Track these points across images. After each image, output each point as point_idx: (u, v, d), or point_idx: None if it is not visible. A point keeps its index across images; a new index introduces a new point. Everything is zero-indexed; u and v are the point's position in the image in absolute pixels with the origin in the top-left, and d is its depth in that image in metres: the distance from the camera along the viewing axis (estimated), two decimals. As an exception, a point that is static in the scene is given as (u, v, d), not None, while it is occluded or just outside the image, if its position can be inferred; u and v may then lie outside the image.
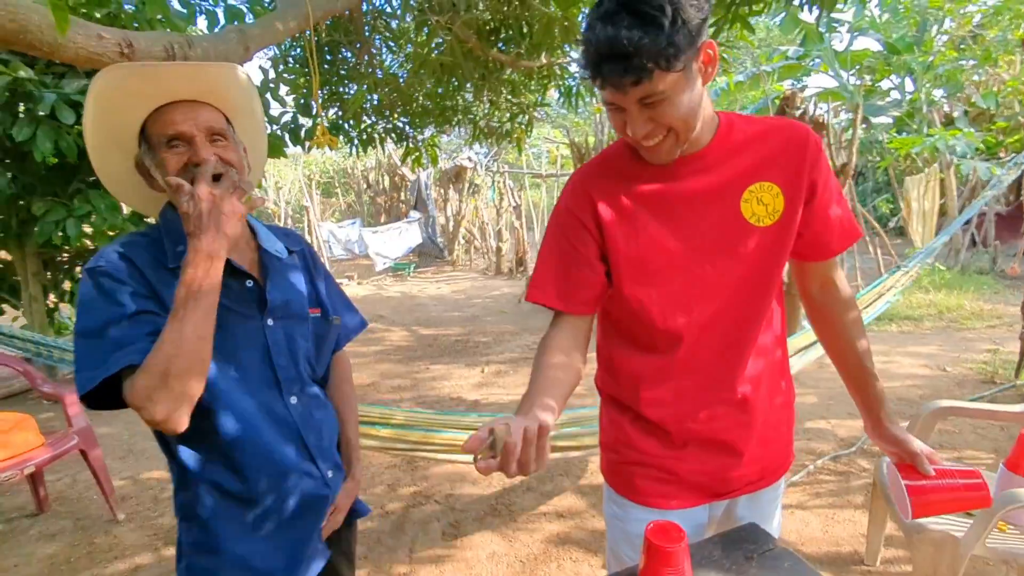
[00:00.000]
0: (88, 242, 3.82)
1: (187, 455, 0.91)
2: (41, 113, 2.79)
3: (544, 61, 3.88)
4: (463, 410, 3.62)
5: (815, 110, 4.53)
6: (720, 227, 0.93)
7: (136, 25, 3.10)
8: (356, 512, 1.14)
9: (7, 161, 3.31)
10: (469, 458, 1.92)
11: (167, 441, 0.92)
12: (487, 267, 10.42)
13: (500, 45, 3.79)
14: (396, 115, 4.32)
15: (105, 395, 0.81)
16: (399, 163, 11.71)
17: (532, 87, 4.48)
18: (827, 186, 0.95)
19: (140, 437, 3.41)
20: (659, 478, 1.02)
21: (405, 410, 1.97)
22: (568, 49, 3.94)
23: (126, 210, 3.78)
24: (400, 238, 10.18)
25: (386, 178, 12.68)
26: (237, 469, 0.92)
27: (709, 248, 0.93)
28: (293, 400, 0.98)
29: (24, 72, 2.76)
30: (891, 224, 9.90)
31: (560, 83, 4.34)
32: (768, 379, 1.02)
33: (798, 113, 4.34)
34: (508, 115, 4.58)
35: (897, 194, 7.92)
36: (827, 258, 1.00)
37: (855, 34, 12.35)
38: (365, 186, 13.46)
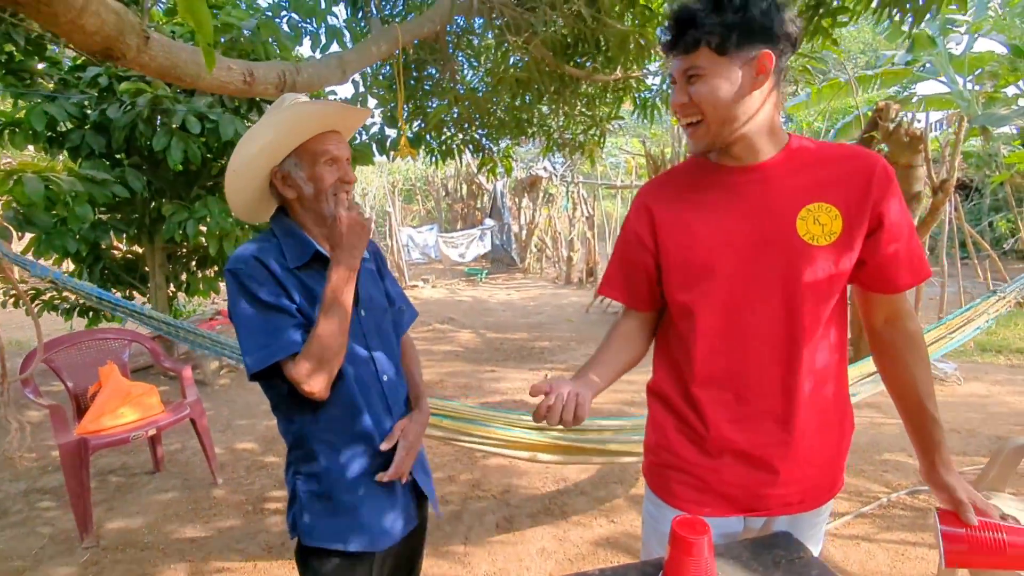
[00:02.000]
0: (202, 240, 4.35)
1: (307, 420, 1.09)
2: (175, 125, 3.24)
3: (619, 75, 3.94)
4: (523, 411, 3.74)
5: (913, 121, 4.25)
6: (774, 241, 0.96)
7: (251, 47, 3.51)
8: (428, 498, 1.25)
9: (144, 167, 3.85)
10: (526, 455, 2.05)
11: (289, 409, 1.10)
12: (557, 276, 10.51)
13: (577, 59, 3.90)
14: (474, 127, 4.55)
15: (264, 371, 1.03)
16: (476, 172, 12.10)
17: (607, 100, 4.55)
18: (897, 219, 0.94)
19: (237, 415, 3.83)
20: (694, 485, 1.06)
21: (468, 405, 2.12)
22: (644, 63, 3.98)
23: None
24: (474, 244, 10.51)
25: (464, 186, 13.13)
26: (346, 431, 1.10)
27: (759, 260, 0.96)
28: (385, 377, 1.17)
29: (163, 90, 3.23)
30: (1008, 246, 8.94)
31: (636, 95, 4.38)
32: (817, 400, 1.01)
33: (892, 125, 4.10)
34: (582, 127, 4.68)
35: (1014, 213, 7.16)
36: (892, 292, 0.99)
37: (975, 36, 11.28)
38: (444, 193, 14.00)
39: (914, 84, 11.59)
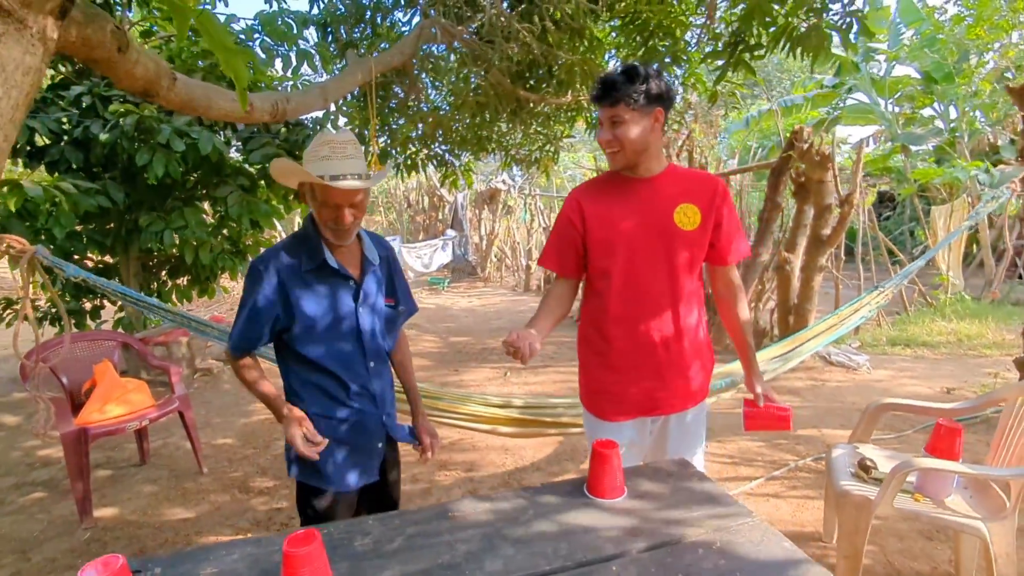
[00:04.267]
0: (175, 250, 4.52)
1: (300, 395, 1.45)
2: (159, 142, 3.46)
3: (570, 97, 4.37)
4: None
5: (822, 143, 4.85)
6: (660, 225, 1.47)
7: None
8: (397, 436, 1.61)
9: (121, 181, 4.02)
10: (487, 428, 2.40)
11: (284, 375, 1.48)
12: (516, 284, 10.91)
13: (532, 82, 4.32)
14: (437, 143, 4.91)
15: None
16: (438, 185, 12.42)
17: (561, 119, 4.99)
18: (729, 219, 1.52)
19: (213, 414, 4.02)
20: (613, 399, 1.56)
21: (435, 385, 2.46)
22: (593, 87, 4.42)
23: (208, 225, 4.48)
24: (436, 254, 10.81)
25: (426, 199, 13.42)
26: (331, 404, 1.45)
27: (651, 238, 1.47)
28: (371, 364, 1.49)
29: (148, 111, 3.45)
30: (916, 251, 9.88)
31: (588, 115, 4.82)
32: (688, 331, 1.53)
33: (805, 146, 4.68)
34: (538, 145, 5.11)
35: (922, 223, 8.03)
36: (725, 265, 1.59)
37: (892, 63, 12.42)
38: (406, 205, 14.24)
39: (843, 103, 12.58)
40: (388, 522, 1.19)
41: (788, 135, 4.91)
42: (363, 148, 1.53)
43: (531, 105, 4.40)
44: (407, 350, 1.73)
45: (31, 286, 2.10)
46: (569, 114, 4.82)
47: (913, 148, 11.29)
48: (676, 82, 4.50)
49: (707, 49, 3.66)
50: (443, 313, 8.49)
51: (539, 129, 4.98)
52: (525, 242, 10.85)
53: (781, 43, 3.28)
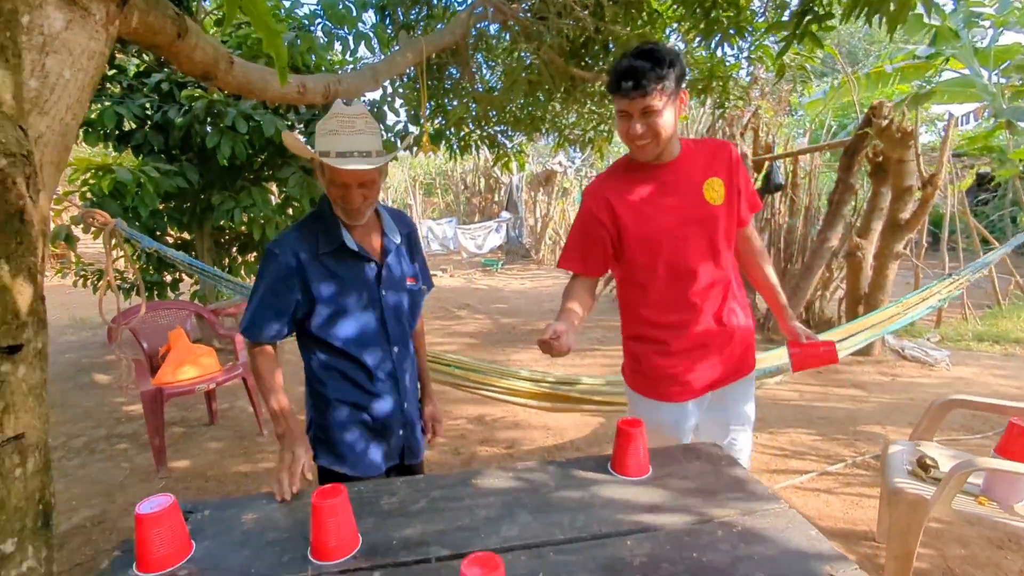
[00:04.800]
0: (243, 227, 4.81)
1: (323, 381, 1.38)
2: (225, 125, 3.68)
3: (626, 75, 4.23)
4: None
5: (904, 119, 4.48)
6: (694, 208, 1.42)
7: (291, 56, 3.93)
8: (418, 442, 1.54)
9: (196, 163, 4.31)
10: (532, 416, 2.43)
11: (307, 359, 1.41)
12: (573, 267, 10.83)
13: (586, 60, 4.23)
14: (491, 124, 4.91)
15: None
16: (492, 167, 12.49)
17: None
18: (744, 181, 1.49)
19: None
20: (672, 382, 1.50)
21: (474, 359, 2.51)
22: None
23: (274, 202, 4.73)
24: (490, 236, 10.89)
25: (482, 180, 13.51)
26: (354, 390, 1.38)
27: (691, 222, 1.42)
28: (395, 349, 1.42)
29: (217, 95, 3.67)
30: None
31: None
32: (737, 301, 1.52)
33: (884, 122, 4.34)
34: (592, 124, 5.00)
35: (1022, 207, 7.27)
36: (745, 225, 1.57)
37: (1000, 30, 11.17)
38: (463, 187, 14.40)
39: (937, 77, 11.46)
40: (414, 484, 1.24)
41: (867, 111, 4.56)
42: (378, 124, 1.41)
43: (585, 84, 4.31)
44: (422, 330, 1.63)
45: (114, 256, 2.31)
46: (625, 92, 4.67)
47: (1020, 124, 10.16)
48: (741, 56, 4.27)
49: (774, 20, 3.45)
50: (495, 294, 8.58)
51: (593, 108, 4.87)
52: (580, 225, 10.72)
53: (856, 11, 3.04)
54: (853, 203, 5.26)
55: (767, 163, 5.66)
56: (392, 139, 4.38)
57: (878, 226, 4.65)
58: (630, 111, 1.34)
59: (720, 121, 6.25)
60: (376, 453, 1.44)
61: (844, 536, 2.36)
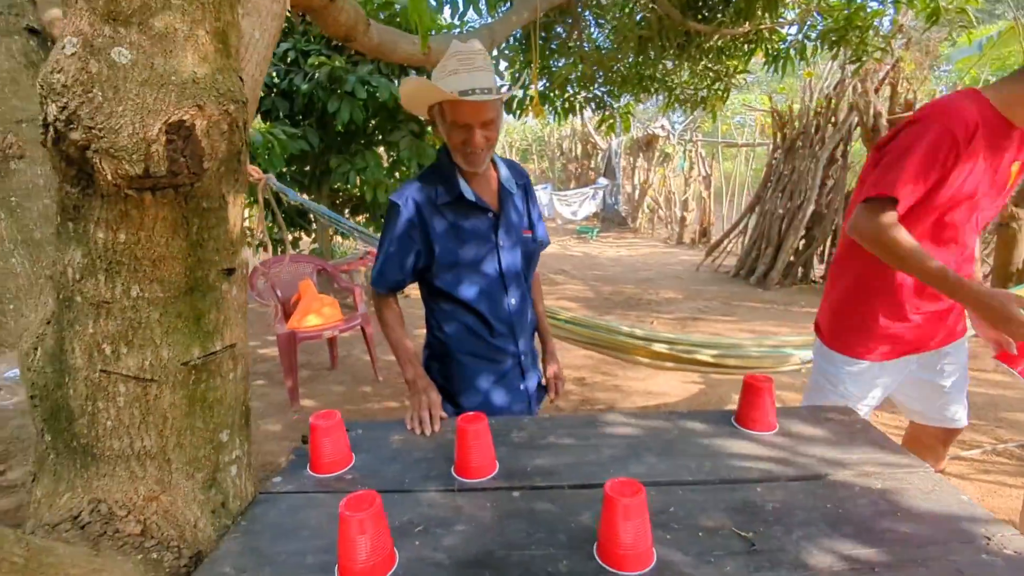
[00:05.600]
0: (356, 191, 5.14)
1: (445, 331, 1.43)
2: (345, 91, 3.92)
3: (748, 27, 3.93)
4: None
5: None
6: (1001, 183, 1.36)
7: (406, 19, 4.07)
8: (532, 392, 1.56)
9: (316, 127, 4.64)
10: (632, 380, 2.43)
11: (430, 309, 1.45)
12: (668, 236, 10.48)
13: (704, 13, 3.97)
14: (597, 84, 4.79)
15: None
16: (592, 132, 12.19)
17: (736, 53, 4.48)
18: None
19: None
20: (893, 340, 1.49)
21: (582, 315, 2.56)
22: (777, 13, 3.91)
23: (385, 165, 5.01)
24: (586, 203, 10.76)
25: (578, 146, 13.29)
26: (475, 342, 1.42)
27: (993, 195, 1.37)
28: (513, 301, 1.42)
29: (338, 62, 3.91)
30: None
31: (768, 47, 4.24)
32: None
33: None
34: (706, 83, 4.72)
35: None
36: None
37: None
38: (559, 153, 14.25)
39: None
40: (540, 422, 1.31)
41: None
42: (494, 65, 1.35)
43: (702, 38, 4.06)
44: (539, 281, 1.63)
45: (261, 211, 2.59)
46: (746, 47, 4.33)
47: None
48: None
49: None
50: (590, 261, 8.53)
51: (709, 65, 4.58)
52: (681, 192, 10.29)
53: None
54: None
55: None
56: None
57: (1040, 193, 4.05)
58: None
59: (850, 77, 5.65)
60: (497, 401, 1.46)
61: (978, 526, 2.18)
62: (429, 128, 4.89)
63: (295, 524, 0.96)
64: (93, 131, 0.68)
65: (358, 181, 4.79)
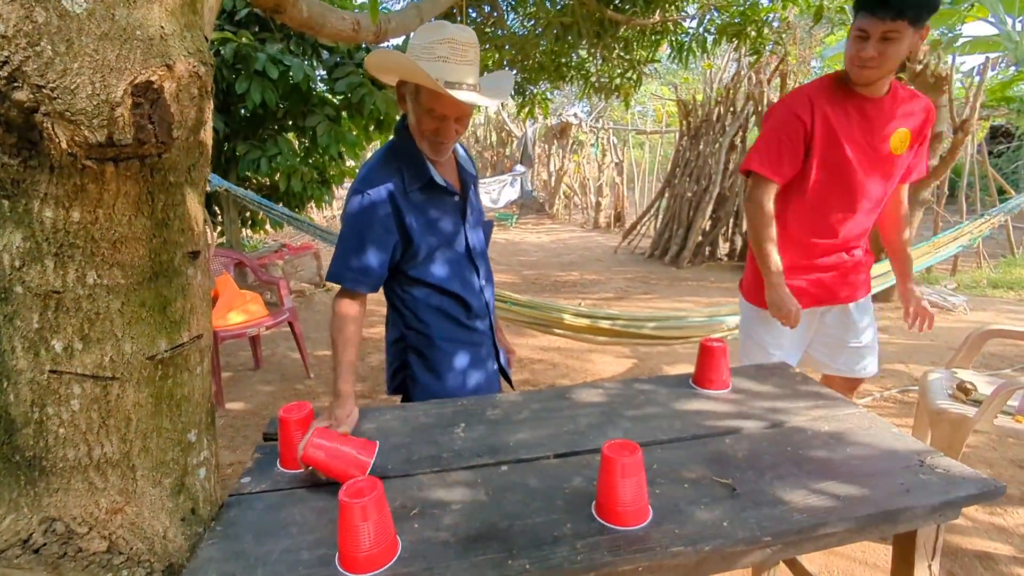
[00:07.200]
0: (266, 179, 4.81)
1: (424, 321, 1.37)
2: (256, 70, 3.64)
3: (657, 18, 4.13)
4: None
5: (940, 63, 4.40)
6: (878, 150, 1.48)
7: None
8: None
9: (220, 111, 4.27)
10: (568, 360, 2.50)
11: (402, 301, 1.39)
12: (584, 221, 10.82)
13: (617, 3, 4.12)
14: (515, 70, 4.82)
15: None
16: (507, 119, 12.25)
17: (645, 43, 4.70)
18: (925, 148, 1.58)
19: (311, 330, 4.40)
20: (799, 292, 1.63)
21: (527, 297, 2.59)
22: (682, 6, 4.16)
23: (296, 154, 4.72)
24: (505, 190, 10.83)
25: (493, 134, 13.30)
26: (455, 327, 1.40)
27: (872, 161, 1.48)
28: (483, 283, 1.45)
29: (246, 39, 3.61)
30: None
31: (673, 40, 4.50)
32: (866, 236, 1.68)
33: (919, 67, 4.27)
34: (619, 71, 4.91)
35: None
36: (904, 183, 1.65)
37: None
38: (474, 141, 14.17)
39: (960, 25, 11.09)
40: (512, 399, 1.33)
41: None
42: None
43: (617, 27, 4.21)
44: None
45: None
46: (654, 37, 4.56)
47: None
48: (776, -2, 4.14)
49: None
50: (513, 247, 8.61)
51: (621, 54, 4.77)
52: (595, 179, 10.64)
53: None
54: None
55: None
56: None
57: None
58: (868, 30, 1.34)
59: (746, 69, 6.12)
60: (475, 381, 1.45)
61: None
62: (345, 113, 4.68)
63: (279, 522, 0.91)
64: (44, 91, 0.59)
65: (269, 169, 4.48)
